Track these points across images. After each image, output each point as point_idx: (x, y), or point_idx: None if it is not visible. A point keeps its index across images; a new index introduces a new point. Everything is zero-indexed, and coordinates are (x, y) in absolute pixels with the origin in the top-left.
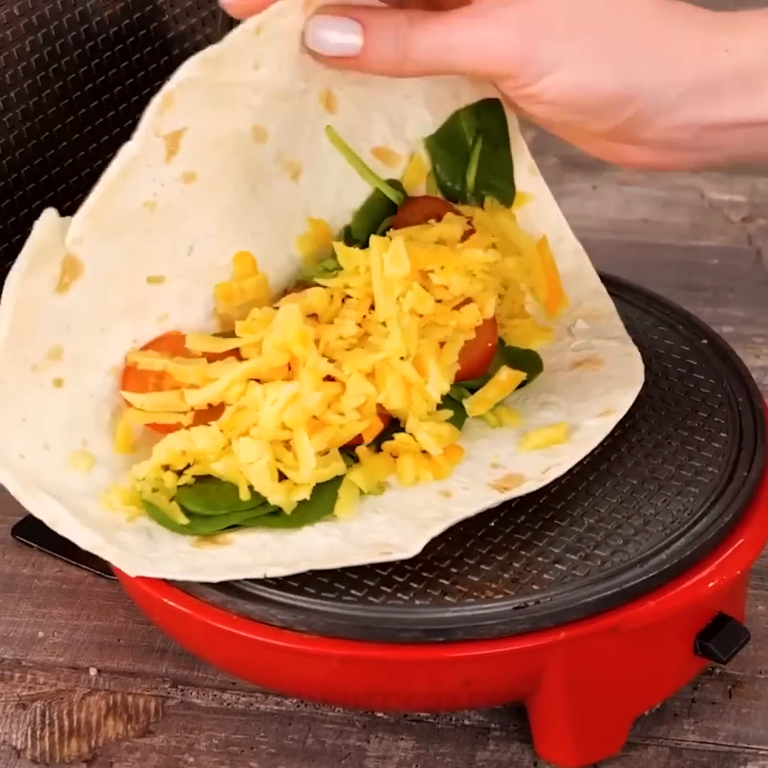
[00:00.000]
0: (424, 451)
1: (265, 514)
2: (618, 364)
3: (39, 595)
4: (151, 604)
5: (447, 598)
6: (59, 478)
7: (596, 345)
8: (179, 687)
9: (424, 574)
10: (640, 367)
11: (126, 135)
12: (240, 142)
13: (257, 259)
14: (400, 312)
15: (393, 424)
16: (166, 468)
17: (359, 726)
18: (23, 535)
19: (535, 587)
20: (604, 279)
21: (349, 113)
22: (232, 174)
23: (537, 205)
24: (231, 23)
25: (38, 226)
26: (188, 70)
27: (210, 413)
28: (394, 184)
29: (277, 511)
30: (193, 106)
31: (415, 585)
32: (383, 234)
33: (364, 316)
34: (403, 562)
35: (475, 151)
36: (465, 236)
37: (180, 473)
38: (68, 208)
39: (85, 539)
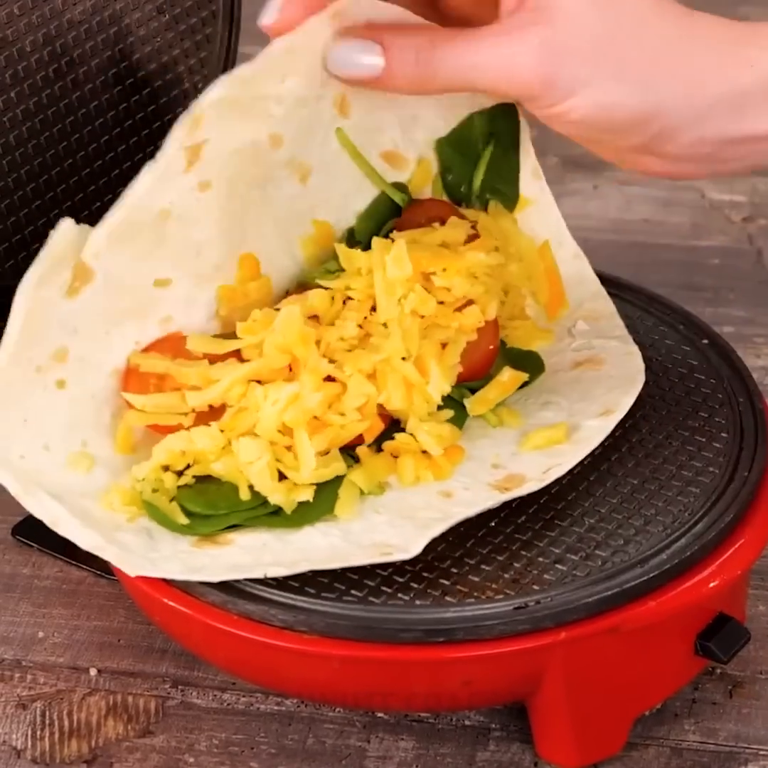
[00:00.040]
0: (424, 452)
1: (265, 514)
2: (619, 363)
3: (39, 595)
4: (152, 605)
5: (447, 598)
6: (59, 479)
7: (597, 345)
8: (179, 687)
9: (425, 574)
10: (640, 366)
11: (125, 136)
12: (257, 149)
13: (260, 260)
14: (402, 313)
15: (394, 425)
16: (166, 469)
17: (359, 726)
18: (23, 535)
19: (535, 587)
20: (605, 279)
21: (362, 117)
22: (245, 179)
23: (538, 209)
24: (231, 21)
25: (55, 236)
26: (219, 90)
27: (211, 414)
28: (400, 187)
29: (278, 511)
30: (218, 120)
31: (415, 585)
32: (386, 236)
33: (366, 318)
34: (404, 562)
35: (485, 154)
36: (468, 240)
37: (180, 474)
38: (69, 208)
39: (85, 539)
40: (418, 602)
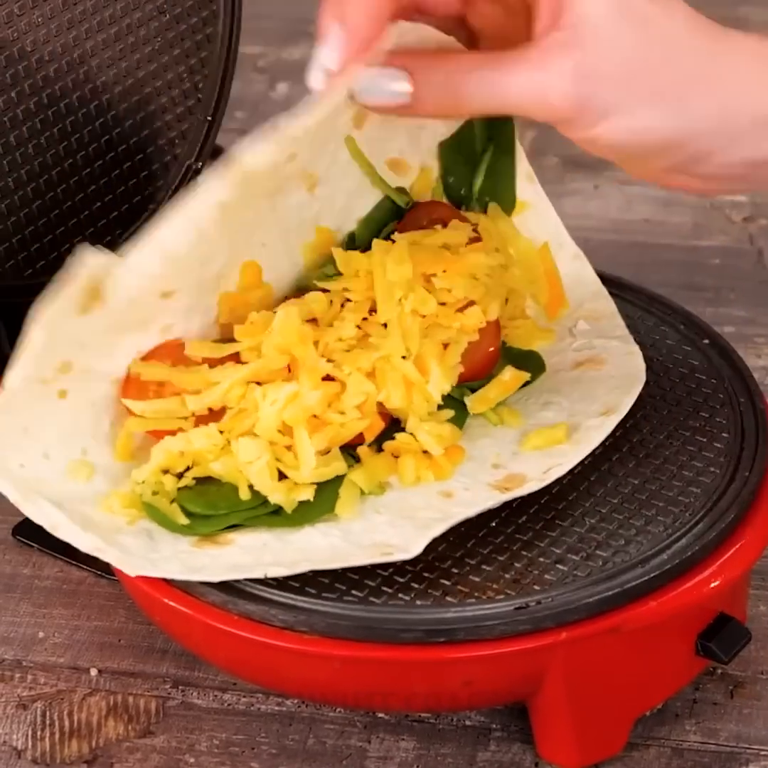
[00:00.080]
0: (425, 451)
1: (265, 514)
2: (619, 363)
3: (39, 596)
4: (152, 605)
5: (448, 598)
6: (59, 487)
7: (598, 344)
8: (180, 687)
9: (425, 574)
10: (641, 366)
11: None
12: (275, 167)
13: (263, 267)
14: (402, 312)
15: (394, 424)
16: (166, 472)
17: (360, 726)
18: (24, 535)
19: (536, 587)
20: (606, 279)
21: (374, 129)
22: (258, 194)
23: (536, 212)
24: (232, 21)
25: (76, 263)
26: (262, 154)
27: (211, 418)
28: (401, 191)
29: (278, 511)
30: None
31: (416, 585)
32: (387, 238)
33: (364, 319)
34: (405, 562)
35: (484, 158)
36: (470, 243)
37: (180, 476)
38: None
39: (85, 542)
40: (418, 602)
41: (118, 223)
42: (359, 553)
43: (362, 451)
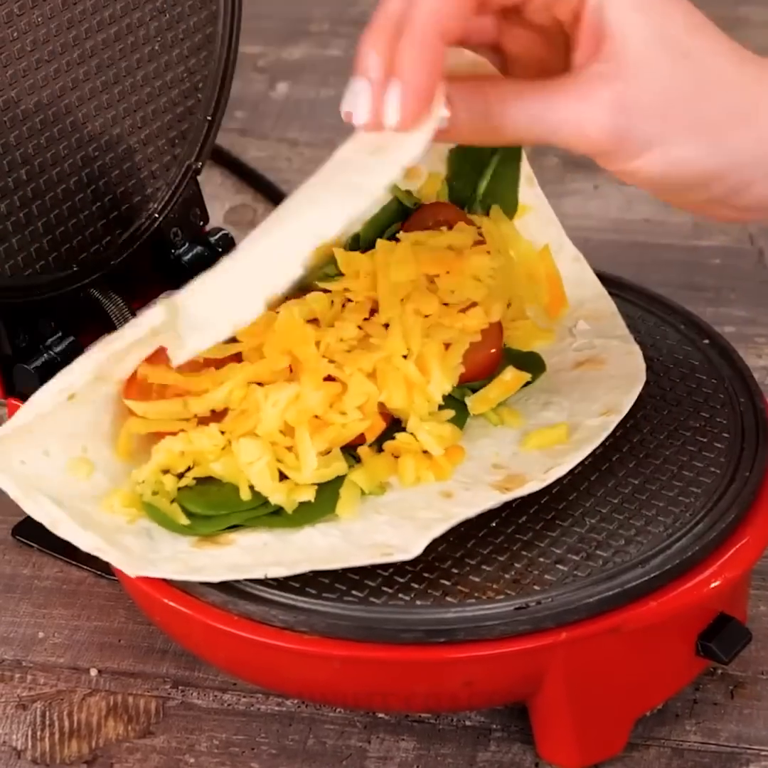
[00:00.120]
0: (425, 452)
1: (266, 514)
2: (620, 363)
3: (39, 596)
4: (152, 605)
5: (448, 598)
6: (59, 484)
7: (598, 344)
8: (180, 688)
9: (425, 574)
10: (641, 366)
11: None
12: None
13: None
14: (403, 311)
15: (395, 424)
16: (166, 472)
17: (360, 727)
18: (23, 535)
19: (536, 588)
20: (606, 279)
21: None
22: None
23: (536, 215)
24: (232, 21)
25: (152, 316)
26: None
27: (213, 419)
28: (408, 194)
29: (278, 511)
30: None
31: (416, 585)
32: (391, 239)
33: (365, 319)
34: (405, 562)
35: (492, 162)
36: (475, 246)
37: (180, 476)
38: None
39: (85, 541)
40: (418, 603)
41: (118, 223)
42: (359, 553)
43: (363, 451)
